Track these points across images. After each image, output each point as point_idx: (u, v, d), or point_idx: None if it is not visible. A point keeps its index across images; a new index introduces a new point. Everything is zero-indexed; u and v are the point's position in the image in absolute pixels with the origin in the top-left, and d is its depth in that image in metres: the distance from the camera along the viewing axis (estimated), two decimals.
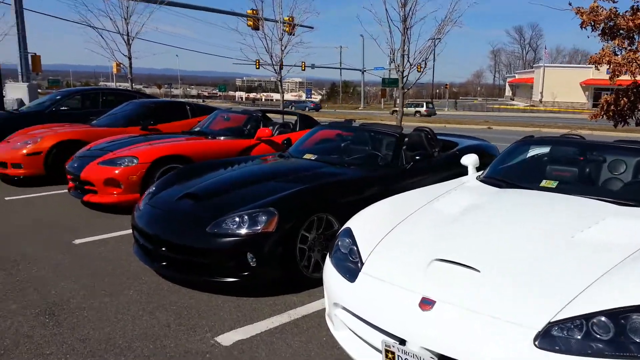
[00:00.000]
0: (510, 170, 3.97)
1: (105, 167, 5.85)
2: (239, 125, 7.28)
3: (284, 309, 3.50)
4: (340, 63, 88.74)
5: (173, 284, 3.85)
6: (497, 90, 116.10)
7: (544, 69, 65.06)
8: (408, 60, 9.44)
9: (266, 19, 15.62)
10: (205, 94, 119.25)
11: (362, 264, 2.67)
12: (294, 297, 3.69)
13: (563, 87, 62.13)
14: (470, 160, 4.39)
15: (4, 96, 13.15)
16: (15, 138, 8.04)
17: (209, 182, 4.30)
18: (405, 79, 9.71)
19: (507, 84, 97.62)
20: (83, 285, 3.83)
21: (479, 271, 2.35)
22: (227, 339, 3.07)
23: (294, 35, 23.32)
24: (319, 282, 3.87)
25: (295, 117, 7.68)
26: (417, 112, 45.25)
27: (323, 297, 3.67)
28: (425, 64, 9.48)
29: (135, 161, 5.81)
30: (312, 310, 3.48)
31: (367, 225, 3.02)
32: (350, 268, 2.71)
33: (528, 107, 61.59)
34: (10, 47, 19.91)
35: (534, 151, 4.24)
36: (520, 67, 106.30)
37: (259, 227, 3.50)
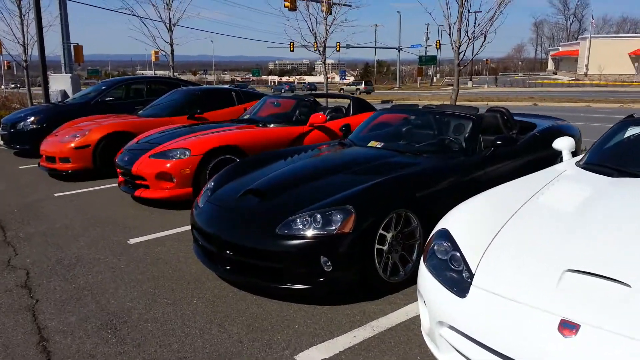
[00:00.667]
0: (616, 155, 3.49)
1: (157, 160, 5.58)
2: (289, 112, 6.90)
3: (365, 320, 3.11)
4: (375, 42, 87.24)
5: (238, 289, 3.53)
6: (538, 64, 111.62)
7: (590, 40, 61.97)
8: (466, 34, 8.81)
9: None
10: (239, 79, 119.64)
11: (472, 274, 2.29)
12: (371, 305, 3.30)
13: (610, 59, 59.20)
14: (565, 143, 3.89)
15: (48, 88, 13.18)
16: (63, 131, 7.92)
17: (271, 176, 3.93)
18: (462, 55, 9.07)
19: (549, 57, 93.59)
20: (143, 292, 3.55)
21: (629, 286, 1.94)
22: (308, 358, 2.71)
23: (330, 14, 22.67)
24: (396, 287, 3.50)
25: (347, 101, 7.23)
26: (357, 89, 51.74)
27: (404, 305, 3.32)
28: (485, 37, 8.81)
29: (187, 153, 5.51)
30: (396, 322, 3.08)
31: (466, 225, 2.61)
32: (455, 279, 2.32)
33: (573, 81, 58.88)
34: (51, 38, 20.07)
35: (632, 132, 3.71)
36: (564, 39, 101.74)
37: (333, 228, 3.11)
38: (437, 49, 63.92)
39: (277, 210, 3.37)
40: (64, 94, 15.69)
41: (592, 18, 67.38)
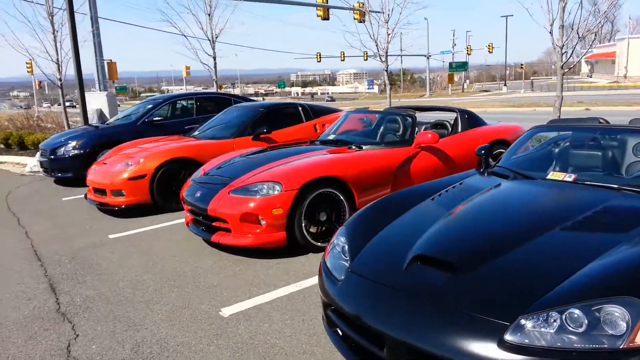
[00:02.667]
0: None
1: (239, 197, 4.43)
2: (384, 129, 5.70)
3: None
4: (401, 49, 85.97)
5: None
6: (572, 67, 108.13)
7: (629, 41, 59.61)
8: (577, 33, 7.54)
9: (335, 7, 14.12)
10: (262, 91, 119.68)
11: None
12: None
13: None
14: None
15: (86, 108, 12.30)
16: (112, 158, 6.88)
17: (439, 231, 2.70)
18: (569, 56, 7.80)
19: (583, 60, 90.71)
20: None
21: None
22: None
23: (363, 22, 21.58)
24: None
25: (453, 114, 6.00)
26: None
27: None
28: (595, 35, 7.55)
29: (277, 188, 4.35)
30: None
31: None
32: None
33: (613, 84, 56.39)
34: (83, 56, 19.37)
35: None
36: (596, 42, 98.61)
37: (619, 336, 1.86)
38: (469, 54, 62.37)
39: (490, 297, 2.15)
40: (101, 113, 14.89)
41: (630, 18, 64.79)
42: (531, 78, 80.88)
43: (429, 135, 5.11)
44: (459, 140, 5.63)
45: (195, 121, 9.33)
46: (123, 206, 6.24)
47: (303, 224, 4.41)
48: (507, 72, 73.92)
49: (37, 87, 42.09)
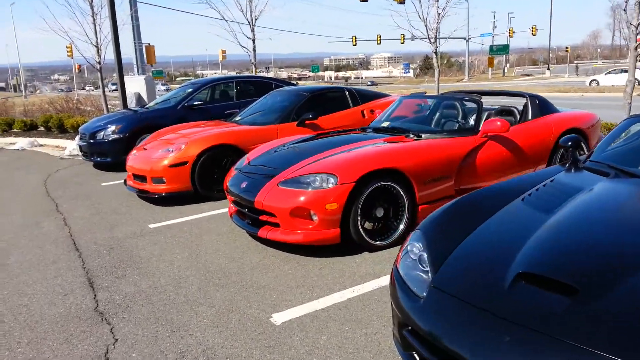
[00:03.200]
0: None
1: (290, 189, 4.05)
2: (444, 116, 5.21)
3: None
4: (438, 32, 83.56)
5: None
6: (617, 51, 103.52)
7: None
8: None
9: None
10: (295, 75, 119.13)
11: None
12: None
13: None
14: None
15: (125, 92, 12.17)
16: (152, 144, 6.62)
17: (542, 241, 2.23)
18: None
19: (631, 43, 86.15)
20: None
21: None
22: None
23: (403, 2, 20.75)
24: None
25: (521, 100, 5.43)
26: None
27: None
28: None
29: (332, 180, 3.94)
30: None
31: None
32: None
33: None
34: (121, 39, 19.32)
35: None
36: None
37: None
38: (510, 37, 59.99)
39: (626, 337, 1.69)
40: (139, 97, 14.80)
41: None
42: (575, 62, 77.50)
43: (498, 123, 4.59)
44: (529, 128, 5.08)
45: (235, 105, 9.02)
46: (163, 194, 5.97)
47: (359, 220, 4.00)
48: (550, 55, 70.93)
49: (77, 71, 42.82)
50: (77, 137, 9.58)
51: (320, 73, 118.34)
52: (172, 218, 5.53)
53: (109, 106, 14.83)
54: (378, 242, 4.13)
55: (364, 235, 4.05)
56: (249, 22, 13.33)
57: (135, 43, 18.12)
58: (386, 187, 4.12)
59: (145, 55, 19.02)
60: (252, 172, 4.60)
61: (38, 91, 74.61)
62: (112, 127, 8.16)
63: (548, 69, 63.50)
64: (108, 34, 13.77)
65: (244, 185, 4.43)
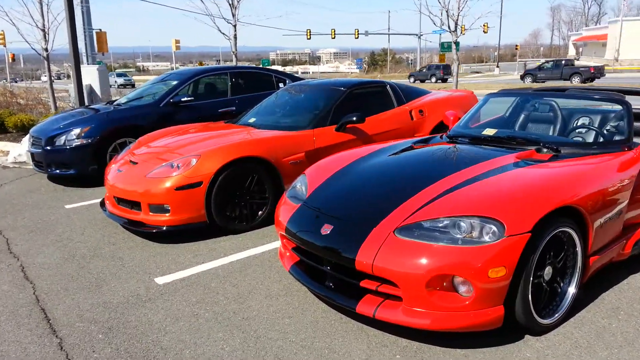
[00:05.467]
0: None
1: (419, 243, 2.54)
2: (576, 122, 3.86)
3: None
4: (389, 28, 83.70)
5: None
6: (556, 50, 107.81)
7: (622, 23, 58.74)
8: None
9: None
10: None
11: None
12: None
13: None
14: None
15: (82, 85, 10.11)
16: (143, 155, 4.89)
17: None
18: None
19: (570, 43, 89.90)
20: None
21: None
22: None
23: None
24: None
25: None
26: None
27: None
28: None
29: (495, 230, 2.47)
30: None
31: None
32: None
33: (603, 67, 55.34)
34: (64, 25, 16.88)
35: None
36: (582, 24, 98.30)
37: None
38: (462, 34, 60.37)
39: None
40: (90, 90, 12.65)
41: (624, 0, 63.67)
42: (517, 60, 79.53)
43: None
44: None
45: (230, 102, 7.38)
46: (165, 227, 4.28)
47: (529, 290, 2.56)
48: (499, 53, 72.23)
49: (11, 61, 38.72)
50: (26, 142, 7.60)
51: (270, 67, 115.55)
52: (186, 265, 3.87)
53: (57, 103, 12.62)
54: (546, 321, 2.71)
55: (534, 313, 2.61)
56: (230, 5, 11.54)
57: (85, 28, 15.79)
58: (558, 235, 2.70)
59: (96, 43, 16.67)
60: (335, 208, 3.05)
61: None
62: (77, 130, 6.28)
63: (497, 66, 64.59)
64: (57, 15, 11.68)
65: (326, 230, 2.87)
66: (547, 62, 41.57)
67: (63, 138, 6.26)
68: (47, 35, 11.69)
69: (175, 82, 7.12)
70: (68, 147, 6.23)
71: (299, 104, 5.67)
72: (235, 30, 11.71)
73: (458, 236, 2.50)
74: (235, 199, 4.47)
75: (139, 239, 4.50)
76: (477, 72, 64.00)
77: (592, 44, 72.53)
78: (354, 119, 5.01)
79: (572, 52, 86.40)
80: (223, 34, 12.07)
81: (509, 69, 62.63)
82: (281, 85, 8.01)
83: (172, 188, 4.21)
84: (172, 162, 4.43)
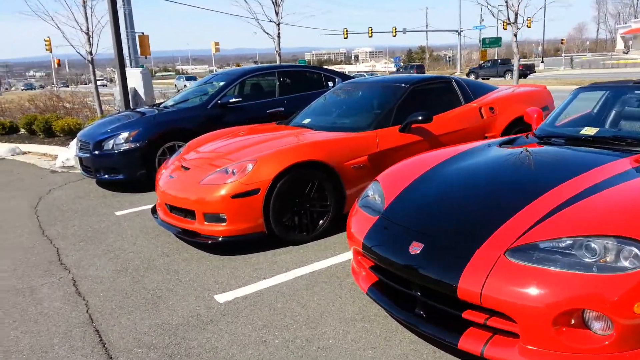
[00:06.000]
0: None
1: (542, 270, 2.11)
2: None
3: None
4: (427, 25, 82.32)
5: None
6: (603, 44, 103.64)
7: None
8: None
9: None
10: None
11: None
12: None
13: None
14: None
15: (127, 88, 10.02)
16: (194, 159, 4.61)
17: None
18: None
19: (618, 36, 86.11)
20: None
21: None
22: None
23: None
24: None
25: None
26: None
27: None
28: None
29: (638, 253, 2.01)
30: None
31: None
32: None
33: None
34: (107, 30, 17.07)
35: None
36: (631, 16, 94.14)
37: None
38: (504, 29, 58.57)
39: None
40: (135, 94, 12.64)
41: None
42: (562, 55, 76.60)
43: None
44: None
45: (278, 103, 7.07)
46: (220, 238, 3.97)
47: None
48: (543, 48, 69.84)
49: (57, 66, 39.87)
50: (74, 146, 7.49)
51: None
52: (246, 281, 3.54)
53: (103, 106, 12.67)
54: None
55: None
56: (274, 4, 11.26)
57: (127, 32, 15.91)
58: None
59: (138, 46, 16.78)
60: (423, 223, 2.64)
61: (14, 88, 71.13)
62: (125, 134, 6.09)
63: (542, 61, 62.50)
64: (102, 18, 11.71)
65: (416, 249, 2.47)
66: (487, 61, 42.37)
67: (111, 142, 6.09)
68: (91, 38, 11.71)
69: (222, 84, 6.86)
70: (116, 151, 6.05)
71: (357, 103, 5.29)
72: (279, 29, 11.43)
73: (589, 261, 2.05)
74: (295, 207, 4.12)
75: (193, 250, 4.21)
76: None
77: None
78: (420, 118, 4.58)
79: (620, 45, 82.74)
80: (267, 33, 11.81)
81: (554, 64, 60.46)
82: (330, 84, 7.65)
83: (228, 196, 3.89)
84: (226, 168, 4.11)
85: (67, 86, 43.18)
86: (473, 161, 3.14)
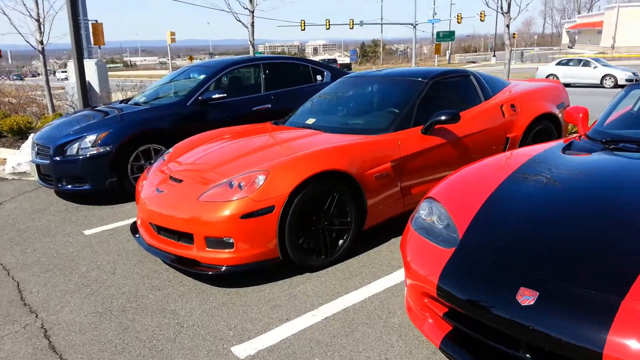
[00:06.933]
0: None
1: None
2: None
3: None
4: (382, 18, 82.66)
5: None
6: (549, 38, 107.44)
7: (619, 10, 58.13)
8: None
9: None
10: None
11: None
12: None
13: None
14: None
15: (85, 83, 8.98)
16: (187, 169, 3.87)
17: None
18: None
19: (564, 30, 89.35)
20: None
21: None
22: None
23: None
24: None
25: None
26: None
27: None
28: None
29: None
30: None
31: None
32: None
33: (599, 55, 54.64)
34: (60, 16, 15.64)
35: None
36: (575, 11, 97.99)
37: None
38: (459, 23, 59.29)
39: None
40: (88, 87, 11.55)
41: None
42: (513, 49, 78.55)
43: None
44: None
45: (264, 99, 6.38)
46: (224, 268, 3.27)
47: None
48: (495, 42, 71.40)
49: None
50: (27, 150, 6.54)
51: None
52: (266, 324, 2.88)
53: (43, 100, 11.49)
54: None
55: None
56: None
57: (79, 19, 14.58)
58: None
59: (92, 35, 15.49)
60: (529, 261, 2.05)
61: None
62: (92, 137, 5.22)
63: (494, 55, 63.92)
64: (54, 4, 10.59)
65: (528, 298, 1.88)
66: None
67: (75, 146, 5.21)
68: (42, 26, 10.56)
69: (202, 77, 6.09)
70: (82, 157, 5.18)
71: (367, 100, 4.68)
72: (253, 18, 10.63)
73: None
74: (312, 226, 3.47)
75: (189, 280, 3.50)
76: (473, 62, 63.17)
77: (586, 32, 71.98)
78: (446, 118, 4.00)
79: (565, 40, 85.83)
80: (241, 22, 10.93)
81: (505, 57, 61.87)
82: (319, 77, 7.01)
83: (237, 216, 3.20)
84: (230, 180, 3.41)
85: (22, 79, 40.25)
86: (549, 175, 2.58)
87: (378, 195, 3.77)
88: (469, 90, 4.70)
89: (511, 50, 11.31)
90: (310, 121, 4.53)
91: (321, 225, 3.51)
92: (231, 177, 3.45)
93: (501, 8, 10.01)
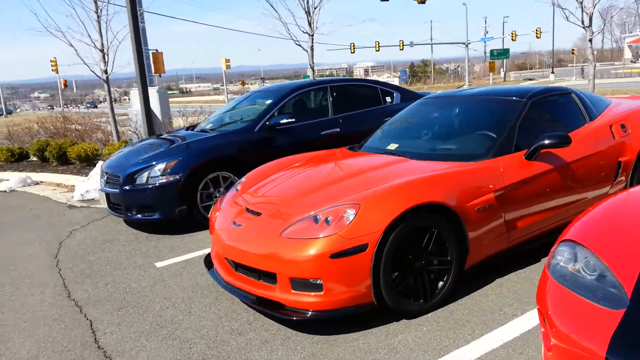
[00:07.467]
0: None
1: None
2: None
3: None
4: (432, 38, 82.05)
5: None
6: (608, 53, 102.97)
7: None
8: None
9: None
10: None
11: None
12: None
13: None
14: None
15: (150, 110, 9.05)
16: (264, 201, 3.58)
17: None
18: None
19: (625, 45, 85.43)
20: None
21: None
22: None
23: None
24: None
25: None
26: None
27: None
28: None
29: None
30: None
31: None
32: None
33: None
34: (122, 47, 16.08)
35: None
36: (634, 25, 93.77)
37: None
38: (513, 40, 57.92)
39: None
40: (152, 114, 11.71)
41: None
42: (574, 65, 75.70)
43: None
44: None
45: (333, 122, 6.11)
46: (310, 313, 2.92)
47: None
48: (553, 59, 69.08)
49: (63, 87, 39.17)
50: (95, 177, 6.53)
51: None
52: None
53: (110, 128, 11.71)
54: None
55: None
56: (306, 13, 10.36)
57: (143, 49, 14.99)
58: None
59: (152, 64, 15.89)
60: None
61: (18, 109, 70.73)
62: (161, 165, 5.08)
63: (552, 72, 61.74)
64: (117, 34, 10.87)
65: None
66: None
67: (145, 175, 5.08)
68: (106, 56, 10.84)
69: (269, 102, 5.88)
70: (152, 185, 5.03)
71: (457, 122, 4.27)
72: (312, 41, 10.49)
73: None
74: (408, 267, 3.08)
75: (271, 324, 3.17)
76: (530, 79, 61.27)
77: None
78: (555, 141, 3.54)
79: (627, 54, 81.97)
80: (301, 47, 10.86)
81: (564, 74, 59.57)
82: (388, 99, 6.67)
83: (326, 255, 2.85)
84: (316, 215, 3.08)
85: (96, 107, 42.13)
86: None
87: (480, 229, 3.33)
88: (572, 110, 4.21)
89: (595, 66, 10.58)
90: (393, 146, 4.16)
91: (418, 265, 3.11)
92: (316, 210, 3.12)
93: (582, 22, 9.39)
